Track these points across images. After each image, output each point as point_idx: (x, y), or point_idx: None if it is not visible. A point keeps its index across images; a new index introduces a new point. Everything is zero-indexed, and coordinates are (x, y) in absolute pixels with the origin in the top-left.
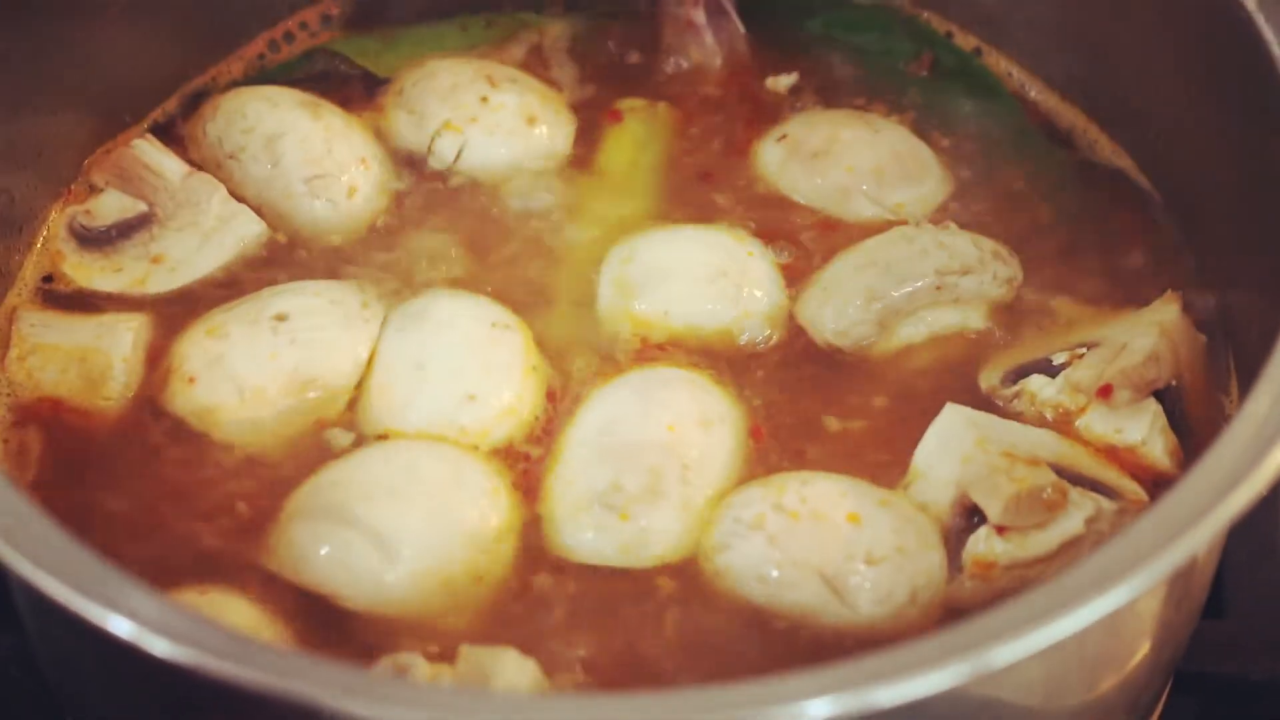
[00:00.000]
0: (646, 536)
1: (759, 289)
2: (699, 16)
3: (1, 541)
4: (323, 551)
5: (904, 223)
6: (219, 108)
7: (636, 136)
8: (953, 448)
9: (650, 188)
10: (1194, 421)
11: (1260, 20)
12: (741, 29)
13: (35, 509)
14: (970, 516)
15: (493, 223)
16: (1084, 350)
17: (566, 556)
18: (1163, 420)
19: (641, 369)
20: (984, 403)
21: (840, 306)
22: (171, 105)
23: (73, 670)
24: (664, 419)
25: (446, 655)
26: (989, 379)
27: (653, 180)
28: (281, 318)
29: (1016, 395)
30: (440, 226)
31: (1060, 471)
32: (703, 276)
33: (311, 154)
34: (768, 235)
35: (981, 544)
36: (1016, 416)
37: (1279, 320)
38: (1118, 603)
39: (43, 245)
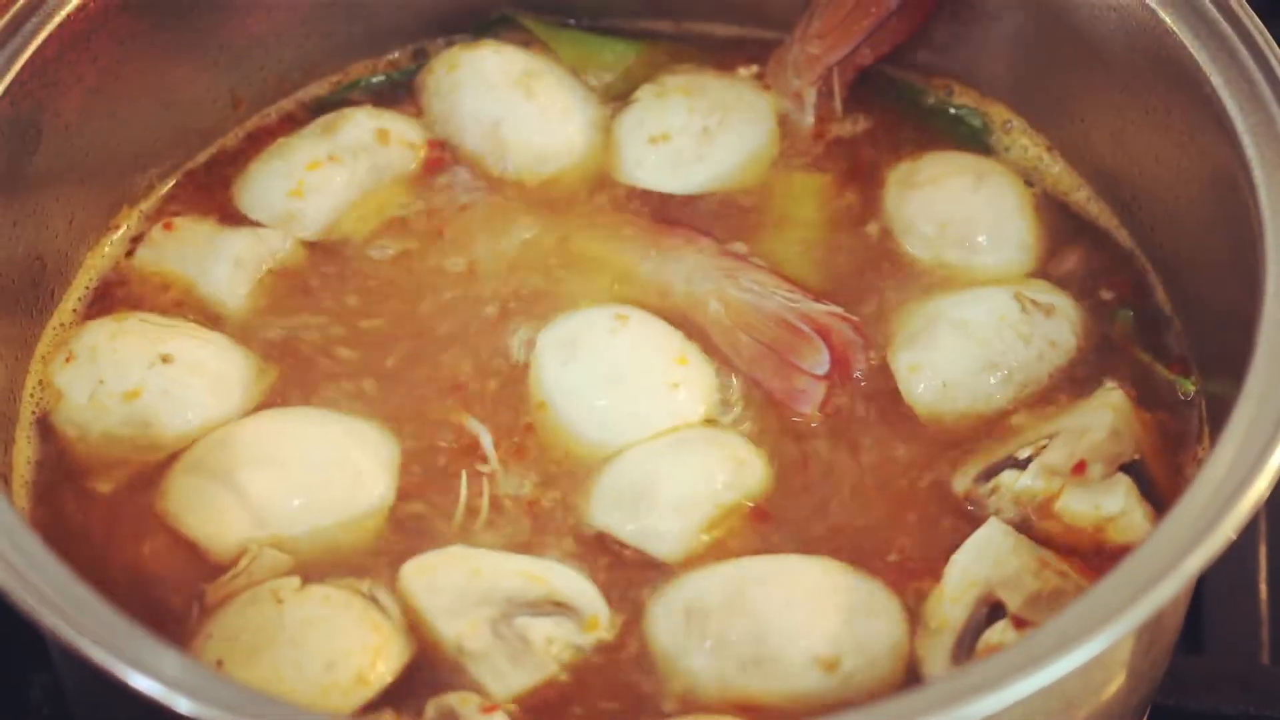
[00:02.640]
0: None
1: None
2: (810, 95)
3: (29, 597)
4: (198, 504)
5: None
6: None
7: (790, 193)
8: (988, 553)
9: (800, 254)
10: (1164, 492)
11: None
12: (839, 112)
13: (60, 563)
14: (992, 611)
15: None
16: (1046, 441)
17: None
18: (1135, 491)
19: None
20: (961, 504)
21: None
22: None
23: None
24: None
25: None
26: (961, 483)
27: (802, 250)
28: None
29: (994, 491)
30: None
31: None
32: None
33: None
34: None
35: (998, 634)
36: (995, 513)
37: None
38: (1082, 659)
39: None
